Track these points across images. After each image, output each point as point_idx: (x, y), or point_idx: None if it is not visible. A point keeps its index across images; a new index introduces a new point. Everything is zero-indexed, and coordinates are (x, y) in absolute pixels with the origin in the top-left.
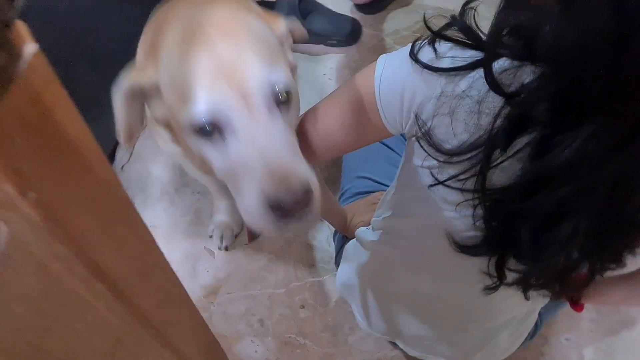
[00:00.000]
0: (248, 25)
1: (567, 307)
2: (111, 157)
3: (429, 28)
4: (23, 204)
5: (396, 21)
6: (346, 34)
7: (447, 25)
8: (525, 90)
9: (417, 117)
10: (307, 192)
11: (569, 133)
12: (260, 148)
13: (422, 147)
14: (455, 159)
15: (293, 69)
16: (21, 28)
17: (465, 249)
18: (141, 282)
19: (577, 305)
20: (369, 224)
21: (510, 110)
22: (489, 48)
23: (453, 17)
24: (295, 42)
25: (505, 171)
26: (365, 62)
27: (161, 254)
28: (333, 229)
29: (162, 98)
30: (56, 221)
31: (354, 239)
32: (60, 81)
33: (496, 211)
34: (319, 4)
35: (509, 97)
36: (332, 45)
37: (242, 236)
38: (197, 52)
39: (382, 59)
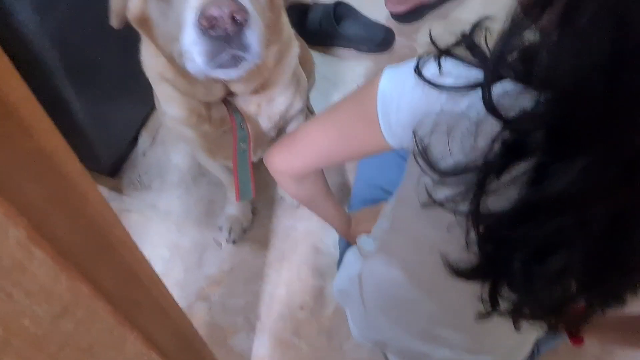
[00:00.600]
0: None
1: (567, 339)
2: (134, 141)
3: (434, 43)
4: None
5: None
6: (378, 41)
7: (456, 43)
8: (522, 116)
9: (414, 132)
10: (240, 9)
11: (566, 162)
12: None
13: (417, 163)
14: (449, 180)
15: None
16: None
17: (458, 272)
18: (97, 254)
19: (576, 338)
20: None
21: (505, 135)
22: (489, 69)
23: (463, 34)
24: None
25: (501, 196)
26: None
27: (124, 230)
28: None
29: None
30: None
31: (355, 246)
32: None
33: (489, 237)
34: (354, 9)
35: (505, 121)
36: (363, 51)
37: (250, 231)
38: None
39: (387, 71)
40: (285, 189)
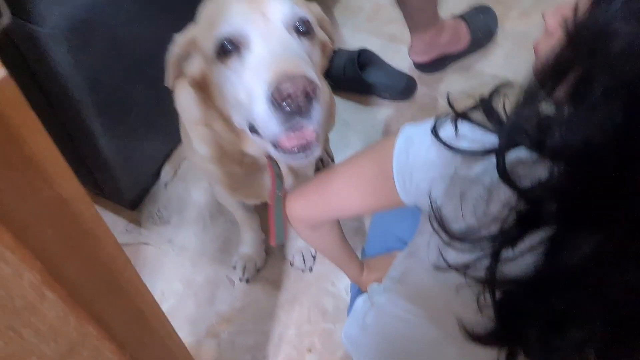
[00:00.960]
0: None
1: None
2: (156, 175)
3: (451, 106)
4: None
5: (452, 84)
6: (400, 89)
7: (474, 107)
8: (536, 186)
9: (429, 195)
10: (311, 83)
11: (582, 235)
12: (274, 53)
13: (431, 224)
14: (459, 245)
15: (325, 46)
16: None
17: (474, 337)
18: (107, 296)
19: None
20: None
21: (519, 205)
22: (503, 137)
23: (481, 98)
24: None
25: (516, 263)
26: (415, 119)
27: (134, 272)
28: None
29: (197, 48)
30: (7, 228)
31: (366, 293)
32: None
33: (506, 304)
34: (377, 57)
35: (518, 191)
36: (384, 98)
37: (264, 271)
38: None
39: (405, 129)
40: (300, 234)
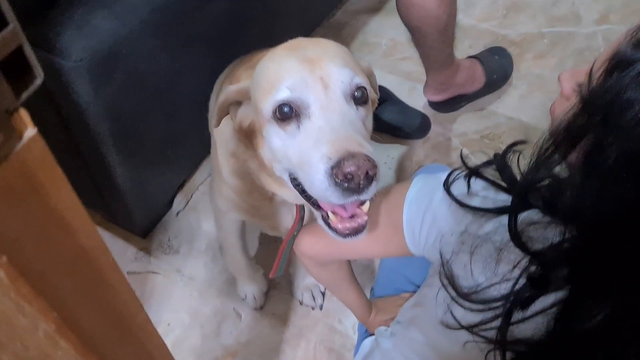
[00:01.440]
0: (341, 47)
1: None
2: (169, 205)
3: (464, 163)
4: None
5: (466, 123)
6: (414, 127)
7: (487, 163)
8: (547, 250)
9: (441, 253)
10: (372, 164)
11: (594, 303)
12: (333, 127)
13: (441, 281)
14: (468, 303)
15: (373, 102)
16: (24, 115)
17: None
18: (118, 341)
19: None
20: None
21: (529, 267)
22: (516, 197)
23: (495, 154)
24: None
25: (528, 323)
26: (428, 158)
27: (146, 317)
28: None
29: (250, 100)
30: (26, 281)
31: (373, 336)
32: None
33: None
34: (393, 95)
35: (529, 253)
36: (398, 136)
37: (271, 305)
38: (289, 55)
39: (418, 179)
40: (309, 271)
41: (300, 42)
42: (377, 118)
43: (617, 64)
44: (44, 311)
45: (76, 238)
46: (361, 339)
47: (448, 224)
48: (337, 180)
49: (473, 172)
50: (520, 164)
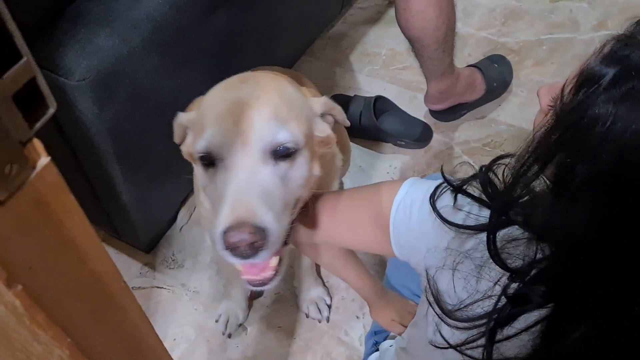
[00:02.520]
0: (282, 88)
1: None
2: (172, 220)
3: (447, 181)
4: (8, 295)
5: (468, 132)
6: (416, 136)
7: (473, 177)
8: (526, 268)
9: (427, 271)
10: (258, 236)
11: (574, 318)
12: (236, 187)
13: (427, 299)
14: (453, 322)
15: (324, 141)
16: (37, 144)
17: None
18: None
19: None
20: (394, 333)
21: (509, 285)
22: (495, 216)
23: (481, 168)
24: (335, 121)
25: (514, 341)
26: (430, 166)
27: (156, 338)
28: (367, 330)
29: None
30: (40, 309)
31: (378, 352)
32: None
33: None
34: (394, 104)
35: (507, 271)
36: (400, 145)
37: (276, 318)
38: (223, 98)
39: (407, 184)
40: (305, 253)
41: (241, 79)
42: (379, 129)
43: (585, 79)
44: (58, 338)
45: (89, 264)
46: (365, 355)
47: (432, 239)
48: (226, 245)
49: (457, 190)
50: (506, 177)
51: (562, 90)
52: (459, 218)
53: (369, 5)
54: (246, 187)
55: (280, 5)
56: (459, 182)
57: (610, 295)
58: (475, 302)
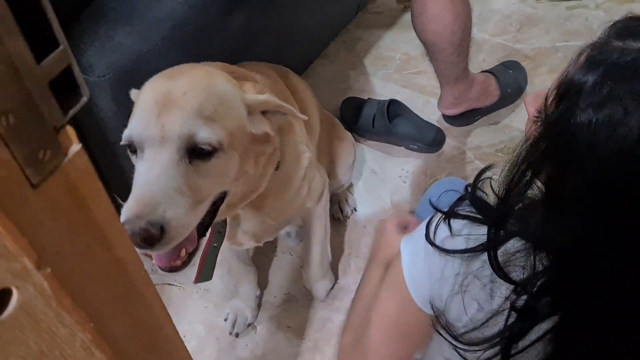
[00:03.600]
0: (213, 85)
1: None
2: None
3: (435, 208)
4: (37, 276)
5: (481, 137)
6: (429, 141)
7: (460, 200)
8: (530, 278)
9: (431, 302)
10: (148, 233)
11: (581, 326)
12: (144, 178)
13: (437, 332)
14: (465, 346)
15: (262, 138)
16: (70, 131)
17: None
18: (147, 352)
19: None
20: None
21: (518, 298)
22: (493, 230)
23: (466, 187)
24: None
25: (529, 353)
26: (443, 171)
27: (173, 328)
28: None
29: None
30: (67, 292)
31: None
32: None
33: None
34: (407, 108)
35: (512, 283)
36: (412, 149)
37: (286, 318)
38: (155, 88)
39: (404, 244)
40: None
41: (177, 71)
42: (392, 132)
43: (565, 90)
44: (82, 322)
45: (114, 250)
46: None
47: (442, 272)
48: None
49: (447, 215)
50: (499, 190)
51: (546, 100)
52: (459, 242)
53: (384, 10)
54: (153, 182)
55: (296, 8)
56: (447, 211)
57: (609, 301)
58: (490, 319)
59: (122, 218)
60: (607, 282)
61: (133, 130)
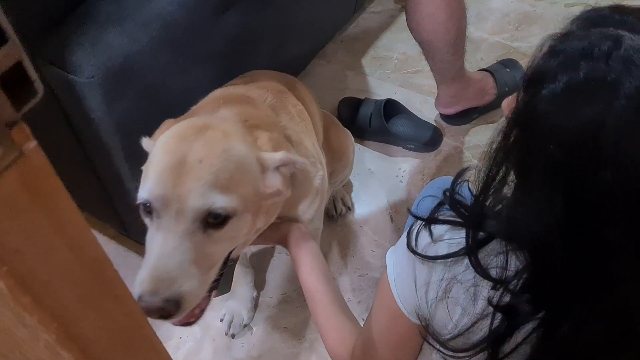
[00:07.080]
0: (229, 150)
1: None
2: None
3: (415, 216)
4: None
5: (478, 136)
6: (426, 140)
7: (439, 205)
8: (511, 277)
9: (416, 312)
10: (172, 307)
11: (563, 322)
12: (159, 251)
13: (425, 340)
14: (453, 352)
15: (274, 194)
16: (24, 128)
17: None
18: (123, 354)
19: None
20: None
21: (501, 299)
22: (471, 231)
23: (444, 192)
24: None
25: (517, 353)
26: (440, 170)
27: (151, 331)
28: None
29: None
30: (26, 291)
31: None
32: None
33: None
34: (404, 107)
35: (494, 282)
36: (409, 149)
37: (283, 319)
38: (170, 151)
39: (389, 256)
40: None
41: (191, 129)
42: (389, 132)
43: (530, 80)
44: (44, 322)
45: (79, 250)
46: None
47: (427, 279)
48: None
49: (427, 222)
50: (476, 190)
51: (517, 95)
52: (442, 247)
53: (382, 10)
54: (168, 255)
55: (293, 8)
56: (427, 217)
57: (583, 291)
58: (475, 323)
59: (136, 292)
60: (581, 272)
61: (150, 194)
